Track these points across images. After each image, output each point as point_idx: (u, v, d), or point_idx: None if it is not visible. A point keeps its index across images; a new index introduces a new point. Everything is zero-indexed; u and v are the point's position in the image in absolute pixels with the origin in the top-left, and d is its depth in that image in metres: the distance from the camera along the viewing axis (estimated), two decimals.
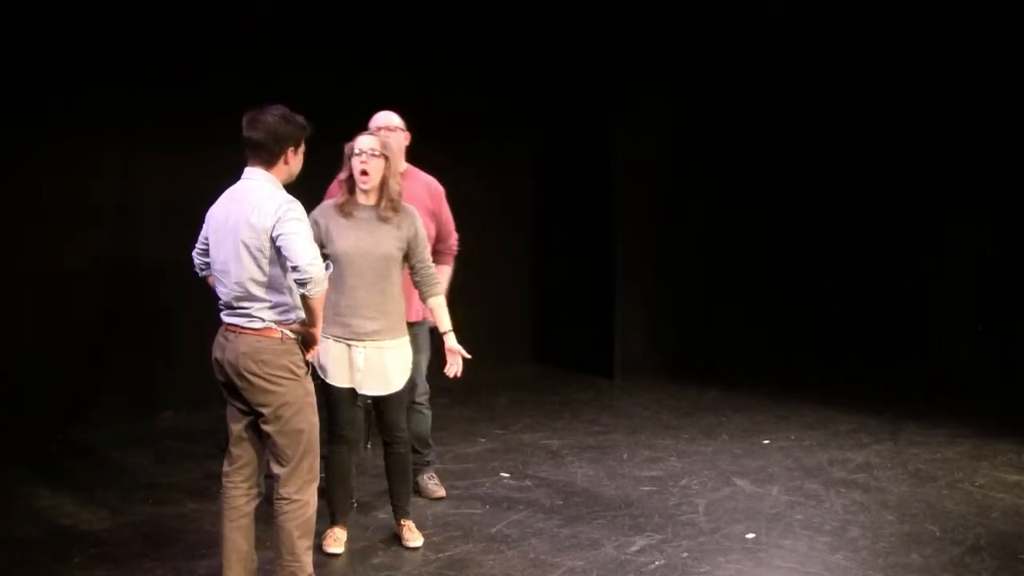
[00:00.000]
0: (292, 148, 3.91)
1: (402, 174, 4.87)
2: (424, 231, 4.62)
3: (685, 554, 4.63)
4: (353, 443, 4.80)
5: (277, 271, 3.81)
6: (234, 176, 3.94)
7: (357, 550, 4.70)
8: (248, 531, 4.01)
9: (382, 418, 4.67)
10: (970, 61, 7.90)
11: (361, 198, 4.50)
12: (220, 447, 4.22)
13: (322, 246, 4.38)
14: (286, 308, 3.85)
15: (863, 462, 6.01)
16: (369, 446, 5.81)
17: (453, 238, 5.27)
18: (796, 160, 8.72)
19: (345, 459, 4.70)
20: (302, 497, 3.94)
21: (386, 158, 4.46)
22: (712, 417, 7.06)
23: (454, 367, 4.58)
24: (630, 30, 8.18)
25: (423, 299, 4.65)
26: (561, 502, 5.35)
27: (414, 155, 5.30)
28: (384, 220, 4.47)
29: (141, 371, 6.91)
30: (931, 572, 4.45)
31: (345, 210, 4.49)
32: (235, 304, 3.86)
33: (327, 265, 3.85)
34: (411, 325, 4.78)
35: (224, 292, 3.90)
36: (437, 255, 4.98)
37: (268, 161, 3.87)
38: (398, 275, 4.55)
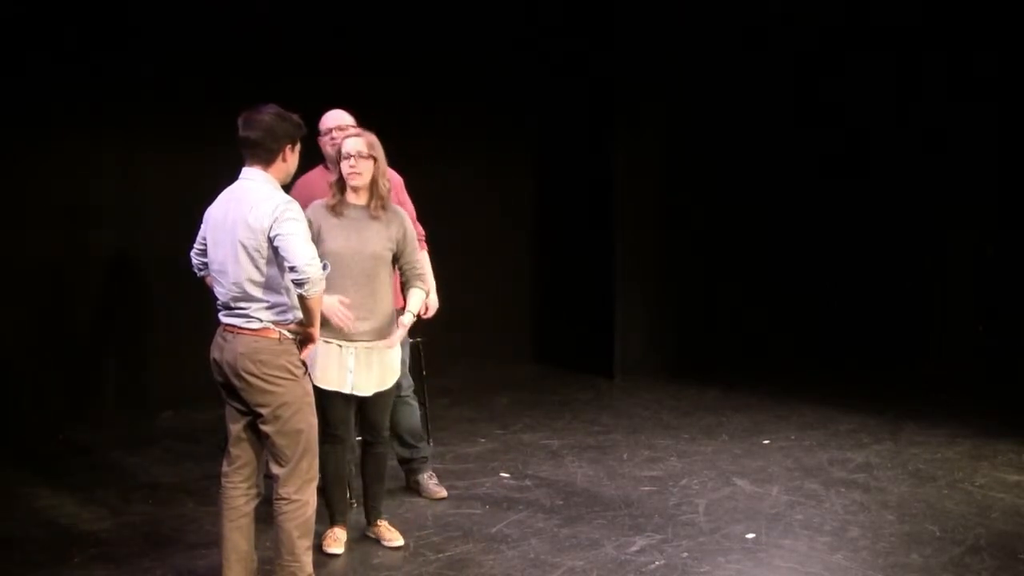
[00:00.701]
0: (289, 146, 3.92)
1: None
2: (414, 232, 4.65)
3: (685, 554, 4.63)
4: (347, 443, 4.79)
5: (275, 271, 3.81)
6: (234, 176, 3.95)
7: (357, 550, 4.69)
8: (248, 531, 4.02)
9: (366, 417, 4.68)
10: (971, 61, 7.89)
11: (352, 198, 4.53)
12: (220, 447, 4.22)
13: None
14: (284, 308, 3.85)
15: (863, 462, 6.00)
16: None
17: (418, 227, 5.24)
18: (796, 160, 8.71)
19: (340, 459, 4.70)
20: (301, 497, 3.94)
21: (374, 159, 4.49)
22: (712, 417, 7.06)
23: (393, 338, 4.54)
24: (630, 30, 8.18)
25: (406, 289, 4.65)
26: (561, 502, 5.34)
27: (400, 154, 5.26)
28: (375, 218, 4.51)
29: (141, 371, 6.91)
30: (931, 572, 4.44)
31: (337, 210, 4.51)
32: (233, 304, 3.86)
33: (324, 265, 3.85)
34: None
35: (222, 292, 3.90)
36: None
37: (266, 160, 3.88)
38: (387, 276, 4.56)
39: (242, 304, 3.84)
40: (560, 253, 8.82)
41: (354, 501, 5.03)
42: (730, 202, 8.65)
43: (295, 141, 3.94)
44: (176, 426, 6.74)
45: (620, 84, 8.28)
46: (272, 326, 3.84)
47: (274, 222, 3.74)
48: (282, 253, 3.74)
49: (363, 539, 4.81)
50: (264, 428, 3.89)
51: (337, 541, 4.67)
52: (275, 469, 3.93)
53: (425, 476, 5.44)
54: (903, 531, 4.90)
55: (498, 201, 8.55)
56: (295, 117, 3.94)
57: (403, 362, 4.87)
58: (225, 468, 4.01)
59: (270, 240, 3.76)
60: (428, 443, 5.62)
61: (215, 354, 3.92)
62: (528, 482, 5.68)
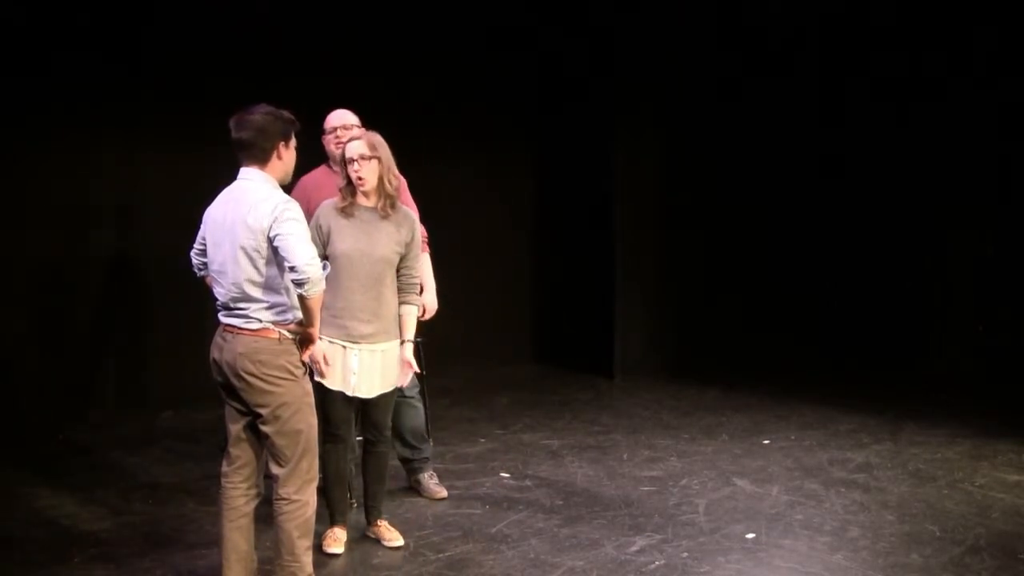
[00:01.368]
0: (283, 143, 3.91)
1: None
2: (420, 238, 4.65)
3: (685, 554, 4.63)
4: (348, 442, 4.79)
5: (274, 272, 3.81)
6: (233, 176, 3.95)
7: (357, 550, 4.69)
8: (248, 531, 4.01)
9: (368, 417, 4.68)
10: (971, 60, 7.89)
11: (361, 199, 4.53)
12: (220, 447, 4.22)
13: (324, 247, 4.42)
14: (283, 308, 3.85)
15: (863, 462, 6.00)
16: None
17: (421, 228, 5.24)
18: (796, 160, 8.71)
19: (341, 459, 4.69)
20: (301, 497, 3.94)
21: (378, 159, 4.48)
22: (712, 417, 7.06)
23: (404, 378, 4.61)
24: (630, 30, 8.18)
25: (399, 304, 4.65)
26: (561, 502, 5.34)
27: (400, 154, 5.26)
28: (385, 218, 4.50)
29: (141, 371, 6.91)
30: (931, 572, 4.44)
31: (347, 212, 4.51)
32: (232, 305, 3.86)
33: (324, 265, 3.85)
34: None
35: (221, 292, 3.90)
36: None
37: (261, 159, 3.88)
38: (393, 279, 4.56)
39: (242, 304, 3.84)
40: (560, 253, 8.83)
41: (354, 501, 5.03)
42: (730, 202, 8.65)
43: (288, 137, 3.93)
44: (176, 426, 6.74)
45: (620, 84, 8.28)
46: (272, 326, 3.84)
47: (273, 222, 3.74)
48: (282, 253, 3.74)
49: (363, 539, 4.81)
50: (264, 428, 3.89)
51: (337, 541, 4.67)
52: (275, 469, 3.93)
53: (426, 476, 5.44)
54: (903, 531, 4.90)
55: (498, 201, 8.56)
56: (286, 114, 3.94)
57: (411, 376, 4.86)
58: (225, 468, 4.01)
59: (270, 240, 3.76)
60: (429, 443, 5.62)
61: (215, 354, 3.92)
62: (528, 482, 5.68)
